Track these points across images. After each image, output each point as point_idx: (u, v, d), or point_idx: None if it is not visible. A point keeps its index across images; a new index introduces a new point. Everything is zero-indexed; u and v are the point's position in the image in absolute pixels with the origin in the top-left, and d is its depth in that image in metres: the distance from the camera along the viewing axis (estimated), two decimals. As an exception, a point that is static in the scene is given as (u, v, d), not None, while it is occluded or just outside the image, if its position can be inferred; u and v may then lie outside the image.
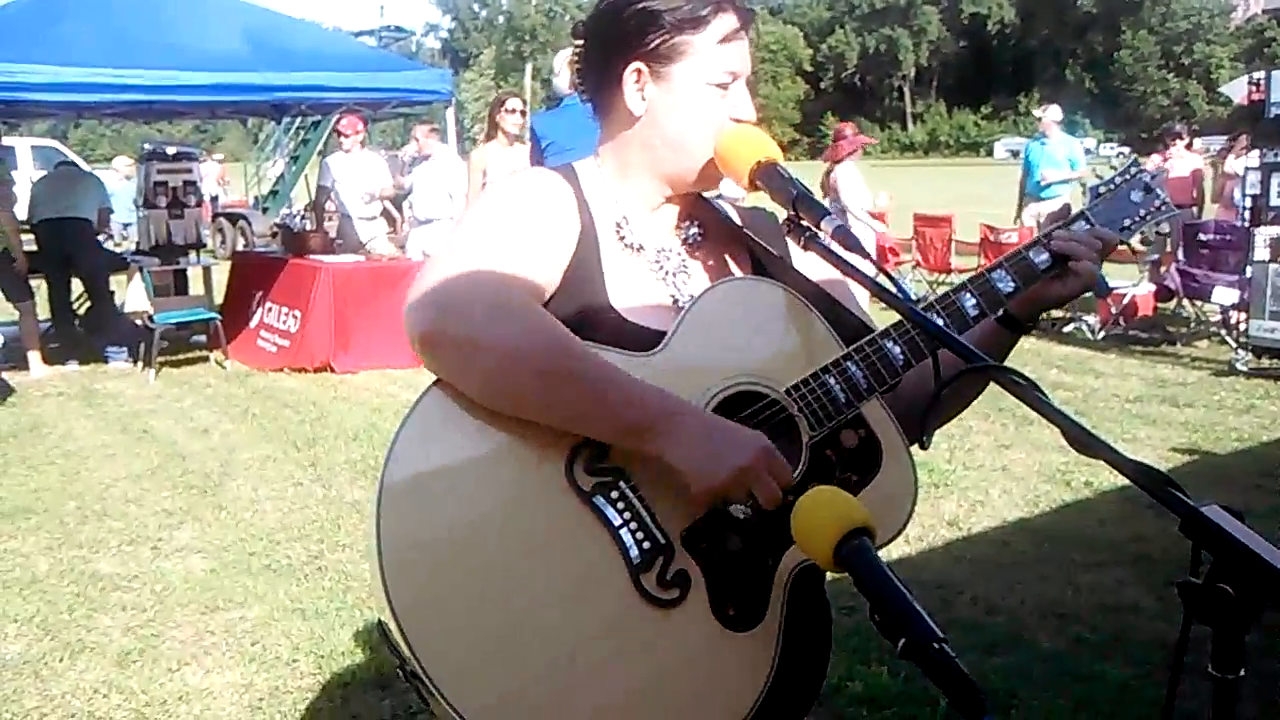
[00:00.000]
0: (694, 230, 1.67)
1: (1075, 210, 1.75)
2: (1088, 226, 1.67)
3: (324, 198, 11.11)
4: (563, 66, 6.43)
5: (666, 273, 1.61)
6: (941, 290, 1.92)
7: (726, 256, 1.69)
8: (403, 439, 1.36)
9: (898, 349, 1.51)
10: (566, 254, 1.54)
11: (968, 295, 1.59)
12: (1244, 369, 8.55)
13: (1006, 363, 1.54)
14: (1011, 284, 1.60)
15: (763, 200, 1.62)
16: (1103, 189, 1.74)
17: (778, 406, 1.47)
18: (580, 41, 1.64)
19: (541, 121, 6.88)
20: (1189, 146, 12.11)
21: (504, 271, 1.43)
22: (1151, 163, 11.74)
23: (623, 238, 1.60)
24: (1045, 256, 1.62)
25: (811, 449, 1.47)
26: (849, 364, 1.49)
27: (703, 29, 1.54)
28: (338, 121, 11.40)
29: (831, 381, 1.48)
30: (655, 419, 1.36)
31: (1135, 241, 1.91)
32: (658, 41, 1.54)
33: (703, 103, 1.56)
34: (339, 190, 10.76)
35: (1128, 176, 1.74)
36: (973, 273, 1.68)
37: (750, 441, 1.37)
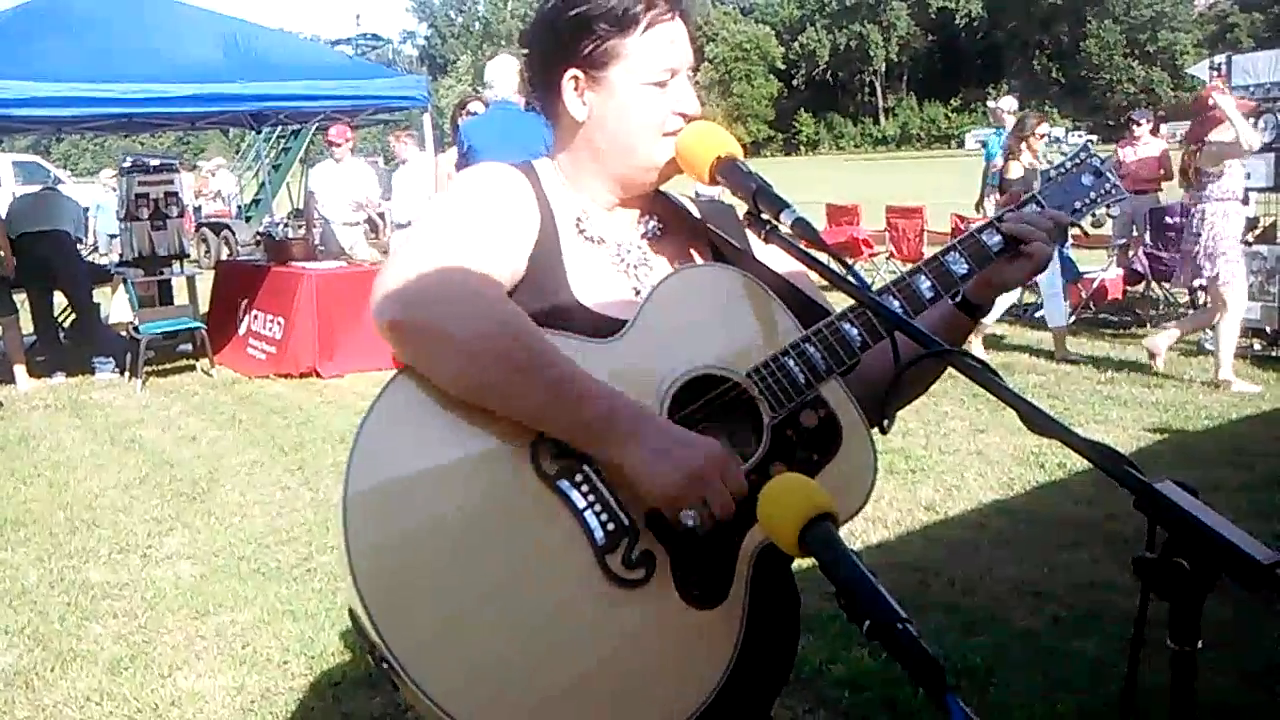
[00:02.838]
0: (654, 224, 1.70)
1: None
2: (1039, 210, 1.69)
3: (312, 204, 11.19)
4: (495, 73, 6.45)
5: (628, 265, 1.64)
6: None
7: (688, 249, 1.71)
8: (369, 425, 1.38)
9: (855, 330, 1.52)
10: (528, 245, 1.56)
11: (922, 278, 1.60)
12: (1212, 348, 8.62)
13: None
14: (965, 266, 1.62)
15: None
16: (1054, 173, 1.78)
17: (738, 389, 1.49)
18: (525, 51, 1.68)
19: (468, 127, 6.91)
20: (1154, 131, 12.22)
21: (469, 261, 1.45)
22: (1124, 154, 11.83)
23: (583, 230, 1.62)
24: (998, 239, 1.64)
25: (772, 430, 1.48)
26: (807, 346, 1.51)
27: (634, 30, 1.56)
28: (326, 131, 11.44)
29: (790, 363, 1.49)
30: (612, 421, 1.38)
31: (1086, 224, 1.95)
32: (591, 48, 1.57)
33: (643, 102, 1.58)
34: (321, 198, 10.81)
35: (1079, 161, 1.77)
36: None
37: (705, 449, 1.39)
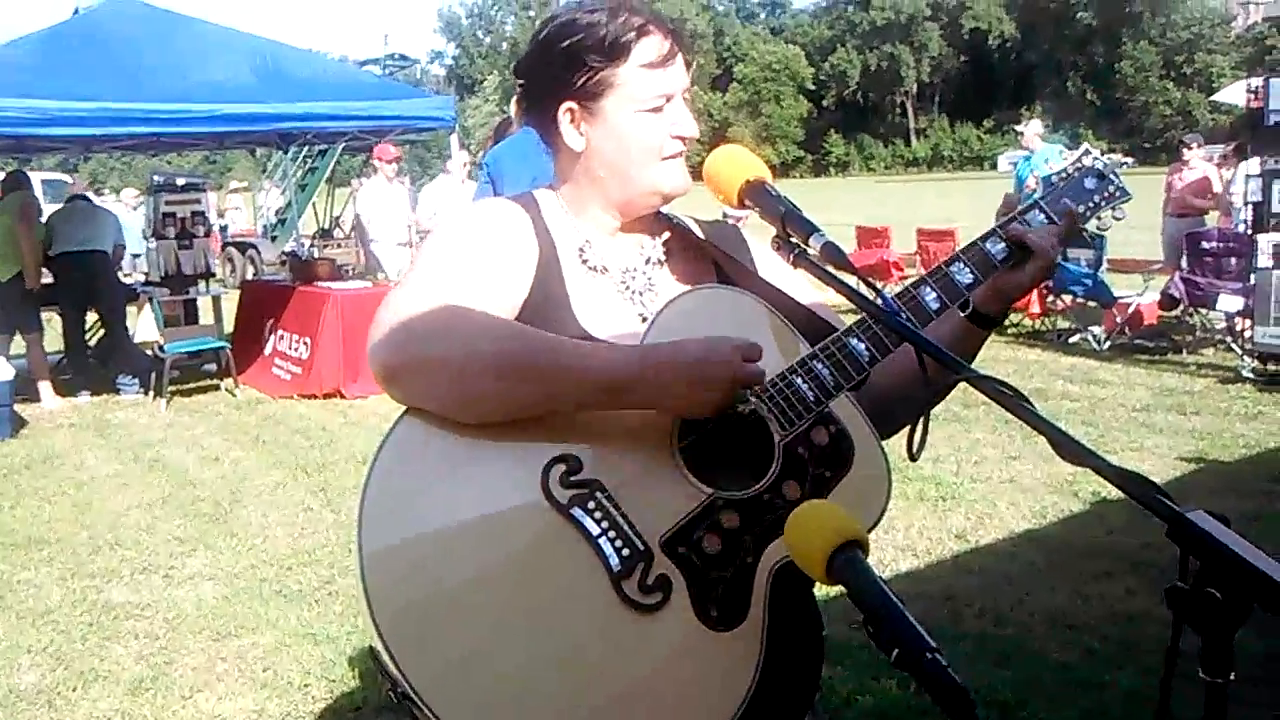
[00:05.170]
0: (658, 249, 1.69)
1: None
2: (1043, 215, 1.70)
3: (363, 227, 11.31)
4: None
5: (633, 292, 1.64)
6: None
7: (692, 271, 1.71)
8: (382, 460, 1.38)
9: (862, 345, 1.53)
10: (524, 279, 1.56)
11: (927, 289, 1.61)
12: (1250, 376, 8.57)
13: (977, 361, 1.57)
14: (970, 275, 1.63)
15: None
16: (1055, 178, 1.77)
17: (748, 409, 1.48)
18: (521, 81, 1.68)
19: (491, 154, 6.91)
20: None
21: (454, 296, 1.45)
22: (1175, 179, 11.72)
23: (585, 260, 1.63)
24: (1001, 246, 1.65)
25: (784, 448, 1.48)
26: (815, 363, 1.51)
27: (625, 59, 1.56)
28: (372, 151, 11.53)
29: (799, 381, 1.50)
30: (624, 374, 1.39)
31: (1092, 226, 1.94)
32: (583, 79, 1.57)
33: (639, 130, 1.58)
34: (374, 219, 10.88)
35: (1080, 165, 1.77)
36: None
37: (722, 351, 1.40)
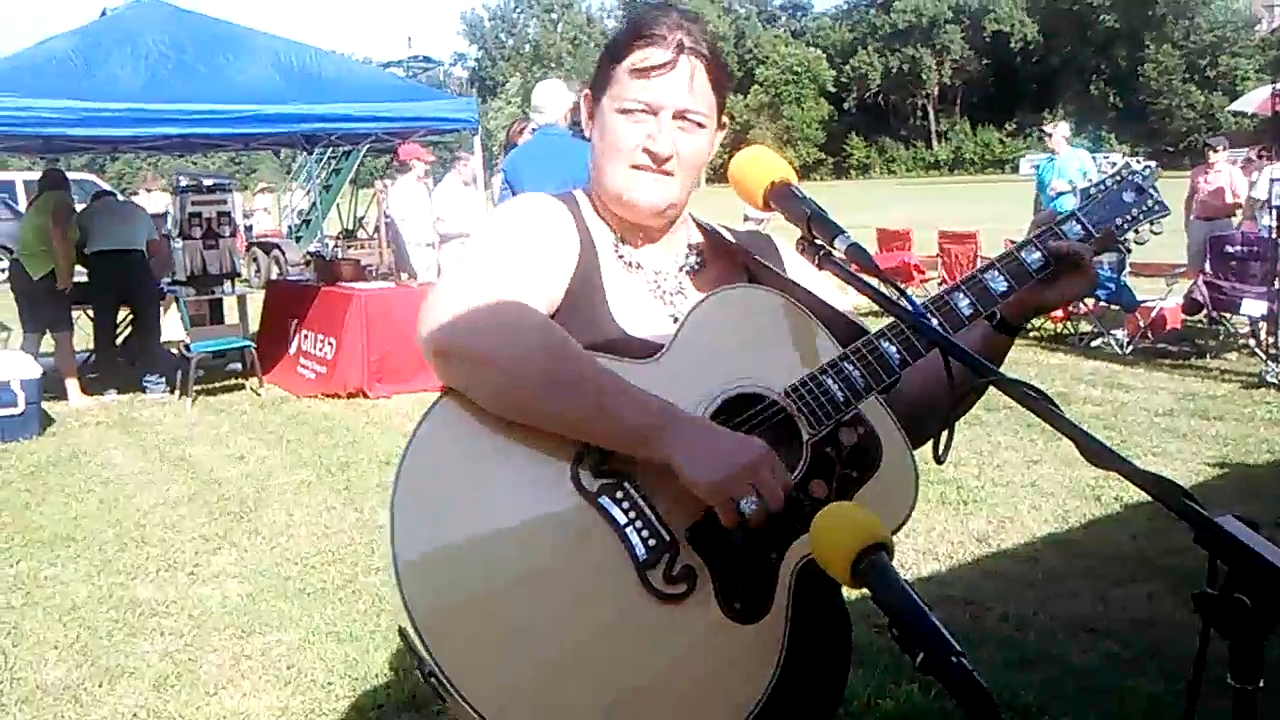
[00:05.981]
0: (691, 255, 1.71)
1: None
2: (1079, 227, 1.69)
3: (395, 226, 11.34)
4: (543, 97, 6.33)
5: (665, 292, 1.66)
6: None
7: (725, 278, 1.71)
8: (414, 448, 1.41)
9: (894, 348, 1.53)
10: (567, 271, 1.59)
11: (961, 295, 1.61)
12: (1274, 381, 8.49)
13: (1005, 368, 1.54)
14: (1004, 283, 1.62)
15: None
16: (1094, 190, 1.75)
17: (777, 407, 1.50)
18: None
19: (508, 161, 6.90)
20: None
21: (509, 287, 1.48)
22: (1200, 182, 11.63)
23: (621, 256, 1.66)
24: (1037, 256, 1.64)
25: (812, 447, 1.49)
26: (846, 364, 1.52)
27: (624, 60, 1.59)
28: (397, 153, 11.55)
29: (829, 382, 1.50)
30: (656, 425, 1.39)
31: (1131, 238, 1.91)
32: (598, 71, 1.64)
33: (615, 128, 1.60)
34: (406, 218, 10.90)
35: (1120, 177, 1.75)
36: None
37: (751, 444, 1.40)
